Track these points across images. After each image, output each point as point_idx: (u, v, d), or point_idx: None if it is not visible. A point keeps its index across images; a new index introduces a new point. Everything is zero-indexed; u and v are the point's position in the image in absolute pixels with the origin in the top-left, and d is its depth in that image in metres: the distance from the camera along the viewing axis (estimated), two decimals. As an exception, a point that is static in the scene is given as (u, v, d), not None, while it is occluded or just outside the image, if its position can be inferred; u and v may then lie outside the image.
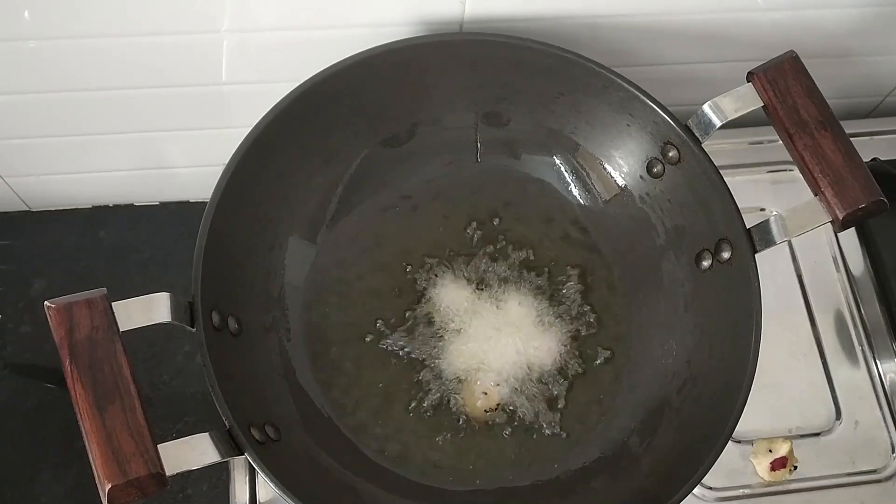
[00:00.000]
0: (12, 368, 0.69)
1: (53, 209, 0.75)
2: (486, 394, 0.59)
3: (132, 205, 0.75)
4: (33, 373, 0.69)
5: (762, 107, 0.54)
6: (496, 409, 0.59)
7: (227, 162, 0.54)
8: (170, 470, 0.43)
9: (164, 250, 0.73)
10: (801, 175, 0.72)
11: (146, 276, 0.73)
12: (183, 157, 0.71)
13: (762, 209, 0.72)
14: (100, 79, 0.61)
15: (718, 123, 0.54)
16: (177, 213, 0.75)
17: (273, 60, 0.61)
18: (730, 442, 0.61)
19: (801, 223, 0.52)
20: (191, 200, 0.75)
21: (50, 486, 0.65)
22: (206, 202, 0.52)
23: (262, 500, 0.62)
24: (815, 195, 0.52)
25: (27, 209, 0.74)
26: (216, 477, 0.65)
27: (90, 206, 0.75)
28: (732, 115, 0.54)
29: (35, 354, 0.69)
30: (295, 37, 0.59)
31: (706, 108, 0.54)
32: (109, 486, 0.41)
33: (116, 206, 0.75)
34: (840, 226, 0.52)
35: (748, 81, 0.54)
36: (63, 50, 0.57)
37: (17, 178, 0.71)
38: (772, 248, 0.54)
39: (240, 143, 0.54)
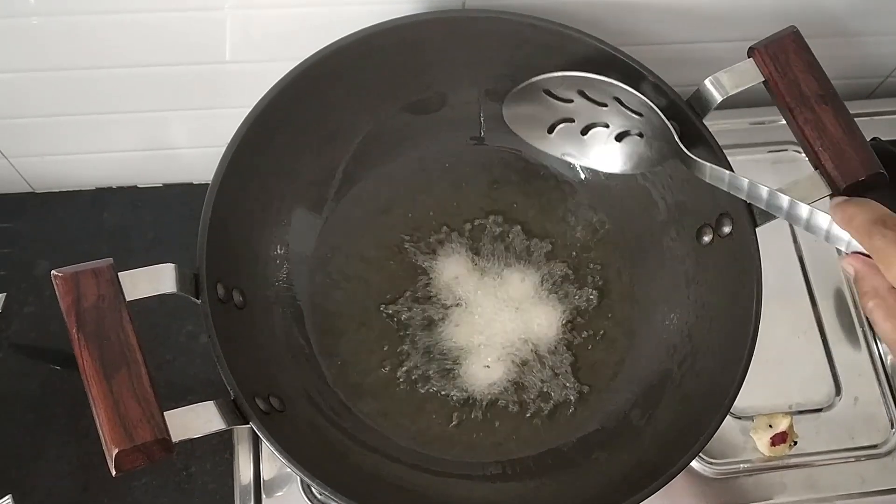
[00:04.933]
0: (17, 349, 0.69)
1: (57, 191, 0.75)
2: (488, 367, 0.60)
3: (135, 186, 0.75)
4: (38, 354, 0.69)
5: (763, 82, 0.54)
6: (498, 383, 0.60)
7: (229, 141, 0.54)
8: (176, 436, 0.43)
9: (167, 232, 0.74)
10: (801, 155, 0.73)
11: (149, 257, 0.71)
12: (186, 137, 0.71)
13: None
14: (103, 57, 0.61)
15: (719, 99, 0.54)
16: (180, 195, 0.75)
17: (277, 38, 0.61)
18: (730, 417, 0.62)
19: (802, 196, 0.52)
20: (194, 182, 0.75)
21: (54, 465, 0.65)
22: (209, 183, 0.52)
23: (266, 478, 0.62)
24: (816, 169, 0.53)
25: (31, 190, 0.75)
26: (220, 455, 0.65)
27: (94, 188, 0.75)
28: (733, 91, 0.54)
29: (39, 335, 0.69)
30: (299, 13, 0.59)
31: (707, 83, 0.54)
32: (116, 451, 0.42)
33: (120, 188, 0.75)
34: (840, 199, 0.52)
35: (749, 56, 0.54)
36: (66, 27, 0.57)
37: (20, 159, 0.71)
38: (772, 228, 0.54)
39: (243, 119, 0.54)
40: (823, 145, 0.52)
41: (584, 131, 0.59)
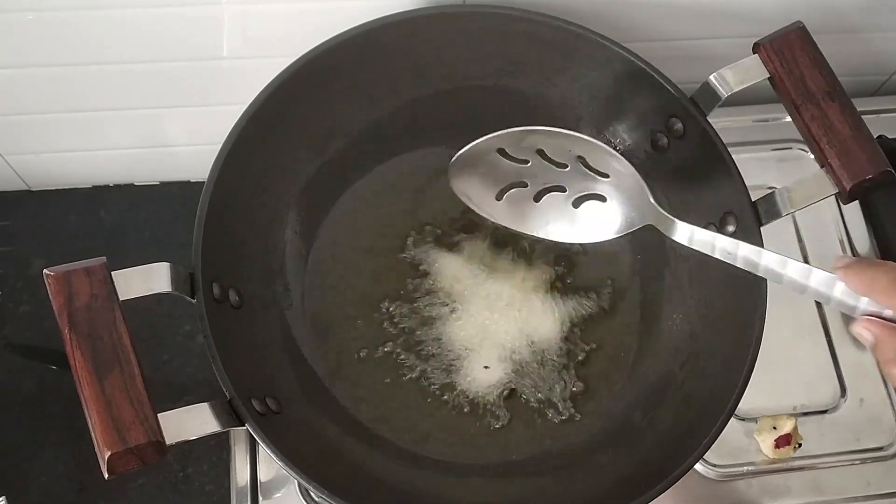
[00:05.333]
0: (12, 349, 0.68)
1: (53, 189, 0.74)
2: (487, 368, 0.59)
3: (132, 184, 0.75)
4: (33, 353, 0.69)
5: (768, 78, 0.53)
6: (498, 384, 0.59)
7: (225, 139, 0.53)
8: (170, 439, 0.43)
9: (163, 230, 0.73)
10: (806, 153, 0.72)
11: (146, 255, 0.71)
12: (183, 135, 0.70)
13: (768, 187, 0.71)
14: (99, 53, 0.60)
15: (724, 95, 0.53)
16: (177, 194, 0.75)
17: (274, 34, 0.60)
18: (734, 419, 0.61)
19: (808, 195, 0.52)
20: (191, 180, 0.75)
21: (50, 465, 0.64)
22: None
23: (262, 479, 0.62)
24: (822, 167, 0.52)
25: (27, 188, 0.74)
26: (216, 456, 0.65)
27: (90, 186, 0.75)
28: (738, 87, 0.53)
29: (35, 334, 0.69)
30: (296, 9, 0.58)
31: (712, 79, 0.53)
32: (109, 453, 0.41)
33: (116, 186, 0.75)
34: (847, 197, 0.51)
35: (754, 53, 0.53)
36: (61, 23, 0.57)
37: (16, 156, 0.70)
38: (777, 228, 0.53)
39: (240, 115, 0.54)
40: (830, 143, 0.51)
41: (538, 196, 0.53)
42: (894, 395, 0.66)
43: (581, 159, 0.51)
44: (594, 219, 0.52)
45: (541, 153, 0.51)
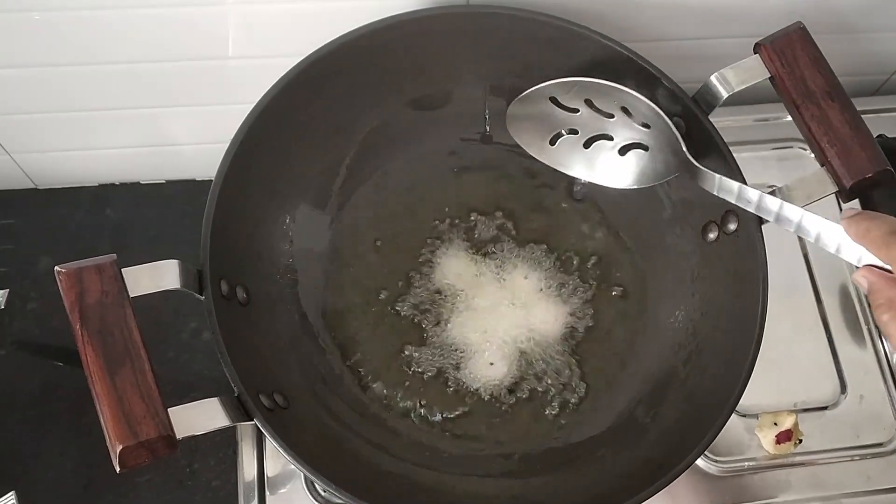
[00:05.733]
0: (19, 346, 0.69)
1: (60, 187, 0.75)
2: (492, 364, 0.60)
3: (138, 183, 0.75)
4: (40, 350, 0.69)
5: (769, 78, 0.54)
6: (502, 380, 0.59)
7: (232, 137, 0.54)
8: (180, 433, 0.43)
9: (169, 229, 0.73)
10: (806, 152, 0.73)
11: (152, 254, 0.72)
12: (189, 134, 0.71)
13: (769, 186, 0.71)
14: (106, 52, 0.61)
15: (725, 95, 0.54)
16: (183, 192, 0.75)
17: (280, 33, 0.61)
18: (735, 415, 0.61)
19: (808, 193, 0.52)
20: (196, 179, 0.75)
21: (57, 461, 0.65)
22: (212, 180, 0.52)
23: (269, 474, 0.62)
24: (822, 165, 0.52)
25: (34, 187, 0.75)
26: (223, 452, 0.65)
27: (96, 185, 0.75)
28: (739, 87, 0.54)
29: (42, 332, 0.69)
30: (302, 8, 0.59)
31: (713, 79, 0.54)
32: (121, 447, 0.41)
33: (122, 185, 0.75)
34: (847, 195, 0.52)
35: (755, 53, 0.54)
36: (68, 22, 0.57)
37: (23, 155, 0.71)
38: (778, 226, 0.53)
39: (247, 114, 0.54)
40: (830, 142, 0.51)
41: (587, 144, 0.58)
42: (894, 392, 0.66)
43: (625, 110, 0.55)
44: (637, 166, 0.57)
45: (589, 103, 0.56)
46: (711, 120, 0.55)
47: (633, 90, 0.54)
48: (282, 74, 0.55)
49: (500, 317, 0.61)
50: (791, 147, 0.74)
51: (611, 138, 0.57)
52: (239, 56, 0.62)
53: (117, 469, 0.42)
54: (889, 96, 0.78)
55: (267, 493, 0.62)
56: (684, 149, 0.53)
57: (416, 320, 0.61)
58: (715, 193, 0.52)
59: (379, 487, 0.54)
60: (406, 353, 0.60)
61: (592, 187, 0.62)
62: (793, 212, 0.48)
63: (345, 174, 0.63)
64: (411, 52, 0.59)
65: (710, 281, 0.58)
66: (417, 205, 0.63)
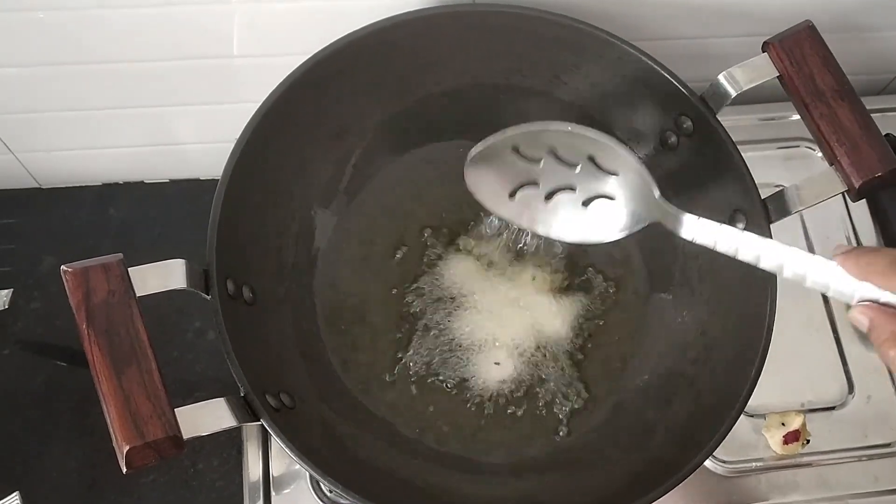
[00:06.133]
0: (22, 346, 0.69)
1: (64, 186, 0.75)
2: (498, 364, 0.59)
3: (142, 182, 0.75)
4: (43, 349, 0.69)
5: (777, 77, 0.53)
6: (508, 380, 0.59)
7: (237, 137, 0.53)
8: (186, 434, 0.43)
9: (173, 228, 0.73)
10: (813, 151, 0.73)
11: (156, 253, 0.72)
12: (193, 133, 0.71)
13: (775, 185, 0.71)
14: (110, 51, 0.61)
15: (733, 94, 0.53)
16: (187, 191, 0.75)
17: (285, 32, 0.60)
18: (743, 415, 0.61)
19: (817, 192, 0.52)
20: (201, 178, 0.75)
21: (61, 461, 0.65)
22: (216, 180, 0.52)
23: (275, 474, 0.62)
24: (831, 164, 0.52)
25: (38, 186, 0.74)
26: (227, 452, 0.65)
27: (100, 184, 0.75)
28: (747, 86, 0.53)
29: (45, 331, 0.69)
30: (308, 7, 0.59)
31: (721, 78, 0.53)
32: (127, 447, 0.41)
33: (126, 184, 0.75)
34: (856, 195, 0.51)
35: (763, 51, 0.54)
36: (73, 21, 0.57)
37: (27, 154, 0.70)
38: (784, 225, 0.53)
39: (252, 113, 0.54)
40: (839, 141, 0.51)
41: (549, 196, 0.53)
42: (902, 392, 0.66)
43: (591, 158, 0.51)
44: (603, 218, 0.53)
45: (552, 152, 0.52)
46: (719, 118, 0.55)
47: (604, 138, 0.50)
48: (287, 74, 0.55)
49: (507, 317, 0.60)
50: (798, 146, 0.73)
51: (573, 189, 0.53)
52: (244, 55, 0.62)
53: (124, 470, 0.42)
54: (895, 96, 0.78)
55: (272, 492, 0.61)
56: (657, 195, 0.49)
57: (422, 320, 0.60)
58: (689, 239, 0.48)
59: (385, 488, 0.54)
60: (412, 352, 0.60)
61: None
62: (777, 252, 0.45)
63: (351, 173, 0.62)
64: (417, 51, 0.59)
65: (718, 281, 0.58)
66: (424, 204, 0.63)
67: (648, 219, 0.51)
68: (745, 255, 0.46)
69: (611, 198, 0.52)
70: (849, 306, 0.43)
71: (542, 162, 0.52)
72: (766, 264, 0.46)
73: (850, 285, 0.43)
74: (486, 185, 0.54)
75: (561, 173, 0.52)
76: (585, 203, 0.53)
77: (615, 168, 0.51)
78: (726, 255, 0.47)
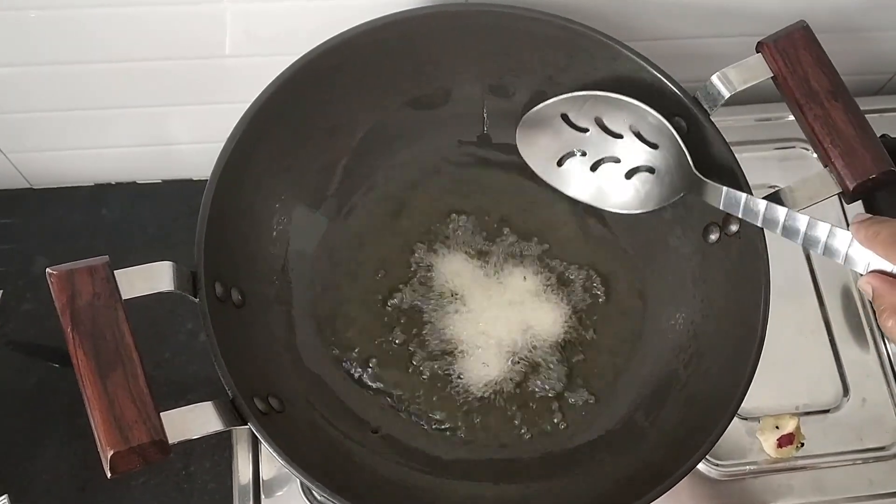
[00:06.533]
0: (14, 346, 0.68)
1: (55, 186, 0.74)
2: (487, 366, 0.59)
3: (134, 182, 0.75)
4: (35, 351, 0.69)
5: (771, 77, 0.53)
6: (497, 381, 0.59)
7: (228, 136, 0.53)
8: (172, 438, 0.43)
9: (166, 228, 0.73)
10: (808, 152, 0.72)
11: (148, 254, 0.71)
12: (185, 133, 0.70)
13: (770, 186, 0.71)
14: (101, 51, 0.60)
15: (727, 94, 0.53)
16: (179, 191, 0.75)
17: (277, 32, 0.60)
18: (736, 418, 0.61)
19: (811, 194, 0.52)
20: (193, 178, 0.75)
21: (52, 463, 0.64)
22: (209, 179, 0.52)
23: (265, 478, 0.62)
24: (825, 166, 0.52)
25: (29, 186, 0.74)
26: (219, 454, 0.65)
27: (92, 184, 0.75)
28: (741, 86, 0.53)
29: (37, 332, 0.69)
30: (299, 7, 0.58)
31: (714, 78, 0.53)
32: (111, 452, 0.41)
33: (119, 184, 0.75)
34: (850, 197, 0.51)
35: (757, 52, 0.53)
36: (64, 21, 0.57)
37: (18, 154, 0.70)
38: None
39: (242, 114, 0.54)
40: (833, 142, 0.51)
41: (594, 167, 0.58)
42: (897, 395, 0.66)
43: (635, 131, 0.54)
44: (642, 189, 0.56)
45: (599, 122, 0.55)
46: (713, 119, 0.55)
47: (647, 105, 0.53)
48: (278, 73, 0.55)
49: (497, 318, 0.60)
50: (793, 147, 0.73)
51: (618, 161, 0.56)
52: (236, 55, 0.62)
53: (108, 475, 0.42)
54: (892, 96, 0.78)
55: (262, 496, 0.61)
56: (692, 166, 0.53)
57: (412, 322, 0.60)
58: (720, 208, 0.52)
59: (376, 492, 0.53)
60: (402, 355, 0.59)
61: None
62: (800, 221, 0.47)
63: (341, 174, 0.62)
64: (409, 50, 0.58)
65: (712, 283, 0.58)
66: (415, 205, 0.63)
67: (682, 190, 0.54)
68: (768, 224, 0.49)
69: (652, 170, 0.55)
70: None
71: (589, 132, 0.56)
72: (789, 233, 0.48)
73: (863, 255, 0.45)
74: (536, 151, 0.58)
75: (607, 143, 0.56)
76: (628, 175, 0.57)
77: (657, 140, 0.54)
78: (749, 222, 0.50)
